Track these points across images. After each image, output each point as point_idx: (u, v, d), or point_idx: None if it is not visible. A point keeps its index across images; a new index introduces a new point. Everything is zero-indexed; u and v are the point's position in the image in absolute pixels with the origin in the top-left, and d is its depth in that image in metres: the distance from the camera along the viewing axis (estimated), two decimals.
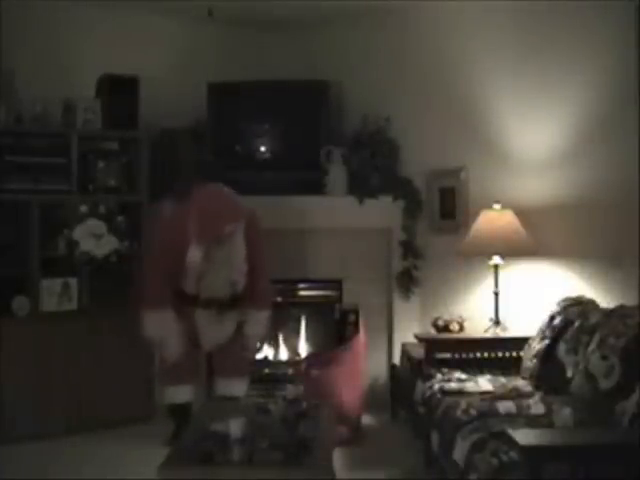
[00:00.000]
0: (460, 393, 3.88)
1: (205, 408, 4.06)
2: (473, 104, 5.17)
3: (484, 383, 4.06)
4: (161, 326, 4.49)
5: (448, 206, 5.37)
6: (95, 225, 5.02)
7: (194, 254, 4.43)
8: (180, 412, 4.65)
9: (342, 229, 5.43)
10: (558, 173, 4.74)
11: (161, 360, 4.79)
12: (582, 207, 4.60)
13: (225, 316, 4.59)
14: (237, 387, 4.72)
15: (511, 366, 4.33)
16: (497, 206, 4.80)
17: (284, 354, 5.67)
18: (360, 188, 5.45)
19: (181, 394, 4.67)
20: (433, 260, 5.40)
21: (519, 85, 4.93)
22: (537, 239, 4.70)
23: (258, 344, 5.15)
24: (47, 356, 4.85)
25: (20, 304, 4.86)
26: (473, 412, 3.50)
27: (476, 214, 4.87)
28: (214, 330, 4.59)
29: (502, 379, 4.14)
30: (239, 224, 4.53)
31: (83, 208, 5.06)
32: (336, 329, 5.38)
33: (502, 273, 4.82)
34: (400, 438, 4.80)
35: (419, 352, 4.69)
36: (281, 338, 5.68)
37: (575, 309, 4.03)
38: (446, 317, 5.03)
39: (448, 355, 4.53)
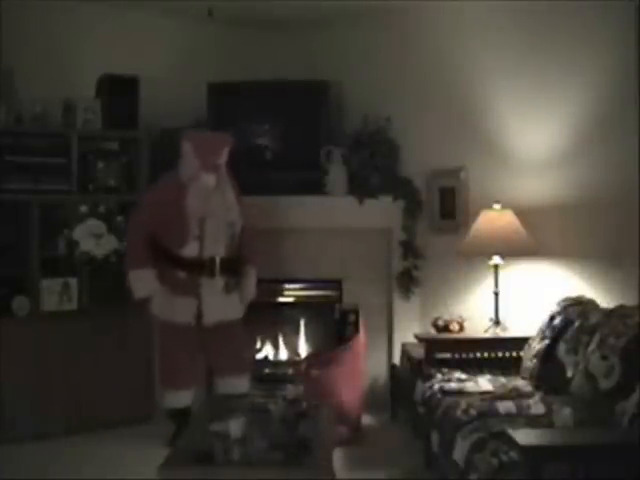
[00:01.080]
0: (460, 393, 3.88)
1: (205, 408, 4.06)
2: (473, 104, 5.17)
3: (484, 383, 4.06)
4: (146, 283, 4.55)
5: (448, 206, 5.37)
6: (95, 225, 5.01)
7: (207, 180, 4.50)
8: (180, 415, 4.65)
9: (342, 229, 5.43)
10: (558, 173, 4.74)
11: (161, 363, 4.80)
12: (582, 207, 4.60)
13: (231, 290, 4.64)
14: (239, 384, 4.72)
15: (511, 366, 4.33)
16: (497, 206, 4.80)
17: (284, 354, 5.67)
18: (360, 188, 5.44)
19: (181, 399, 4.67)
20: (433, 260, 5.40)
21: (519, 85, 4.93)
22: (537, 239, 4.70)
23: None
24: (47, 356, 4.85)
25: (20, 304, 4.85)
26: (473, 412, 3.50)
27: (476, 214, 4.87)
28: (218, 302, 4.60)
29: (502, 379, 4.14)
30: (225, 154, 4.61)
31: (83, 208, 5.05)
32: (336, 329, 5.37)
33: (502, 273, 4.82)
34: (400, 438, 4.79)
35: (419, 352, 4.69)
36: (281, 338, 5.68)
37: (575, 309, 4.03)
38: (446, 317, 5.02)
39: (448, 355, 4.53)
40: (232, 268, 4.66)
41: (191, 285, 4.55)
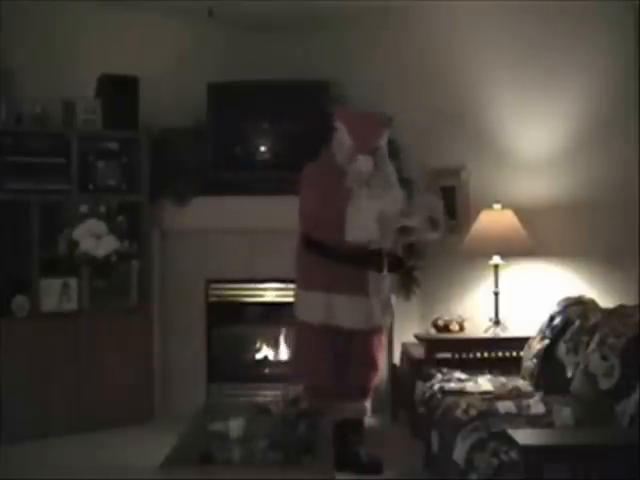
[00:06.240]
0: (460, 393, 3.88)
1: (205, 408, 4.06)
2: (473, 104, 5.16)
3: (484, 383, 4.05)
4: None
5: (448, 206, 5.35)
6: (95, 225, 5.02)
7: (363, 163, 3.94)
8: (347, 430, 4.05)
9: None
10: (558, 173, 4.74)
11: (310, 370, 4.15)
12: (582, 207, 4.61)
13: (395, 289, 4.18)
14: (361, 409, 4.26)
15: (511, 366, 4.33)
16: (497, 206, 4.80)
17: (284, 354, 5.67)
18: None
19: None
20: (433, 260, 5.39)
21: (519, 85, 4.93)
22: (537, 239, 4.70)
23: None
24: (47, 356, 4.85)
25: (20, 304, 4.85)
26: (473, 412, 3.50)
27: (476, 214, 4.87)
28: (384, 303, 4.05)
29: (502, 379, 4.13)
30: (385, 138, 4.15)
31: (83, 208, 5.06)
32: None
33: (502, 273, 4.82)
34: (400, 438, 4.79)
35: (419, 352, 4.69)
36: (281, 338, 5.67)
37: (575, 309, 4.03)
38: (446, 317, 5.02)
39: (448, 355, 4.53)
40: (396, 263, 4.06)
41: (359, 281, 3.95)
